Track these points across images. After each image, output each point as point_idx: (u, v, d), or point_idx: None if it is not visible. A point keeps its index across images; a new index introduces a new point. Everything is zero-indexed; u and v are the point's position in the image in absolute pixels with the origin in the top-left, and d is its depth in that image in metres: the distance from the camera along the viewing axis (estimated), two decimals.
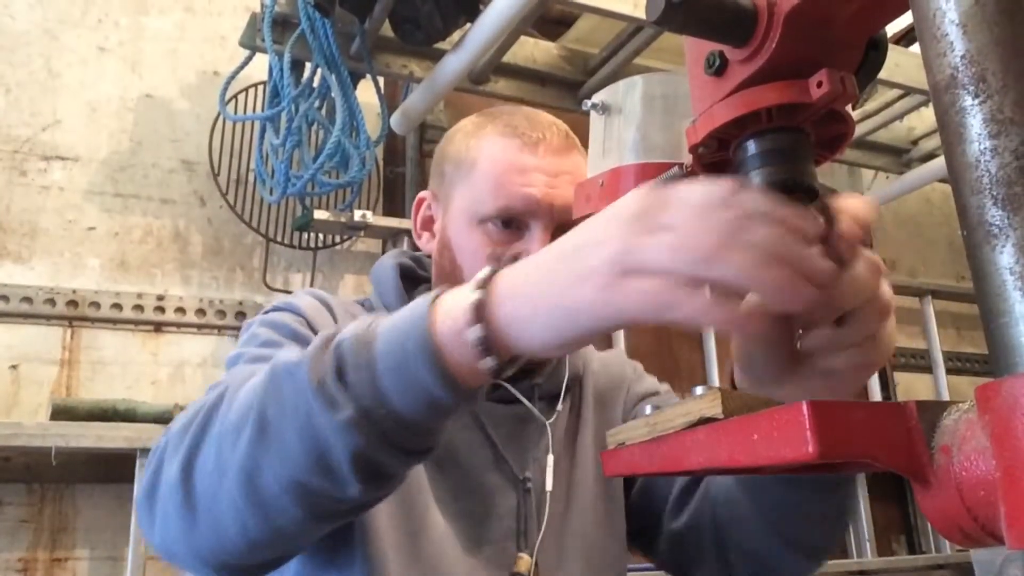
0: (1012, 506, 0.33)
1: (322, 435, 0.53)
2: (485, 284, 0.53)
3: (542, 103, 2.21)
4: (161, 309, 2.13)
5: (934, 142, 2.95)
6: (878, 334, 0.55)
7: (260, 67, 2.11)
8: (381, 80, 2.16)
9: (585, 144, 0.72)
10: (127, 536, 1.84)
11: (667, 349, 2.68)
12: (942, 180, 2.91)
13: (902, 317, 3.21)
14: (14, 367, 1.98)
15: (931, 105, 0.39)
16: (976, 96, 0.36)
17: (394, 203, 2.48)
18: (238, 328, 2.18)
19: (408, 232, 2.17)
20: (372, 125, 2.19)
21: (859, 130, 2.77)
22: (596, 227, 0.50)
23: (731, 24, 0.46)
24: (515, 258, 0.82)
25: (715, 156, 0.53)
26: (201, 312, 2.17)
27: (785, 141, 0.49)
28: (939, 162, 2.77)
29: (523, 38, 2.20)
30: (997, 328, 0.35)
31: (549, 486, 0.89)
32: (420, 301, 0.55)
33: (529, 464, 0.89)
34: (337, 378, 0.53)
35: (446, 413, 0.54)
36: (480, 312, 0.51)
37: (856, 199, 0.52)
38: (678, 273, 0.44)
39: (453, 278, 0.88)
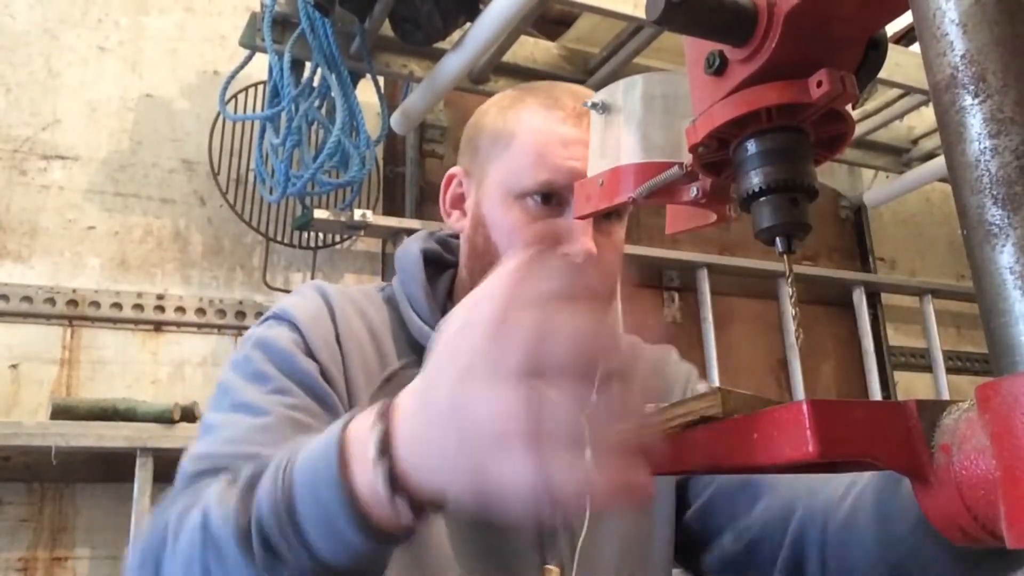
0: (1012, 505, 0.33)
1: None
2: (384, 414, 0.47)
3: None
4: (161, 308, 2.13)
5: (934, 142, 2.95)
6: None
7: (260, 67, 2.11)
8: (381, 80, 2.16)
9: None
10: (127, 535, 1.85)
11: None
12: (942, 180, 2.91)
13: (902, 316, 3.21)
14: (14, 366, 1.98)
15: (931, 105, 0.39)
16: (976, 96, 0.36)
17: (394, 203, 2.48)
18: (238, 327, 2.18)
19: (408, 231, 2.18)
20: (372, 125, 2.19)
21: (859, 130, 2.77)
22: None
23: (731, 24, 0.46)
24: (556, 240, 0.78)
25: (715, 156, 0.53)
26: (201, 311, 2.17)
27: (785, 141, 0.49)
28: (939, 162, 2.77)
29: (523, 38, 2.20)
30: (997, 327, 0.35)
31: None
32: (333, 429, 0.50)
33: None
34: (264, 549, 0.50)
35: (373, 558, 0.50)
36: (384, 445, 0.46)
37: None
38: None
39: (488, 256, 0.84)
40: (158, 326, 2.13)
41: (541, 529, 0.80)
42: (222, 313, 2.19)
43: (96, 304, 2.07)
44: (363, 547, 0.48)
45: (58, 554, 1.93)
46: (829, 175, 3.24)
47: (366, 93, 2.11)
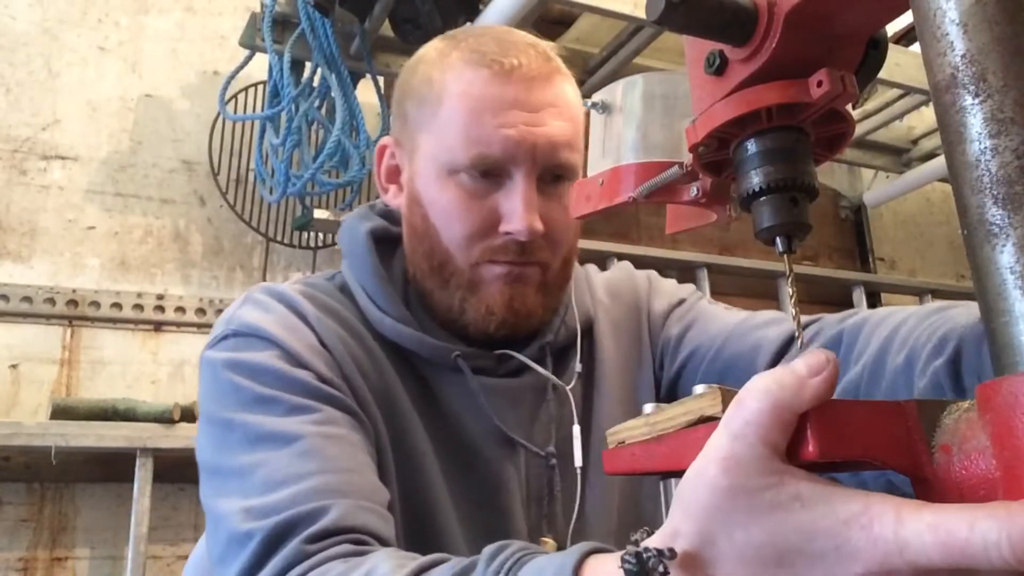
0: None
1: None
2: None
3: None
4: (161, 308, 2.13)
5: (934, 142, 2.95)
6: None
7: (260, 67, 2.11)
8: (381, 80, 2.17)
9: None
10: (127, 535, 1.84)
11: None
12: (942, 180, 2.92)
13: None
14: (14, 367, 1.98)
15: (931, 105, 0.39)
16: (976, 95, 0.36)
17: None
18: None
19: None
20: (372, 125, 2.19)
21: (859, 130, 2.77)
22: None
23: (731, 24, 0.46)
24: (496, 222, 0.74)
25: (715, 155, 0.53)
26: (201, 311, 2.17)
27: (785, 141, 0.49)
28: (939, 161, 2.77)
29: None
30: (997, 327, 0.35)
31: (578, 461, 0.78)
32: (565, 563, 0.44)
33: (553, 437, 0.80)
34: None
35: None
36: None
37: None
38: None
39: (428, 239, 0.77)
40: (158, 326, 2.13)
41: (540, 510, 0.79)
42: (222, 313, 2.18)
43: (96, 304, 2.07)
44: None
45: (58, 554, 1.93)
46: (829, 175, 3.24)
47: (366, 93, 2.11)
